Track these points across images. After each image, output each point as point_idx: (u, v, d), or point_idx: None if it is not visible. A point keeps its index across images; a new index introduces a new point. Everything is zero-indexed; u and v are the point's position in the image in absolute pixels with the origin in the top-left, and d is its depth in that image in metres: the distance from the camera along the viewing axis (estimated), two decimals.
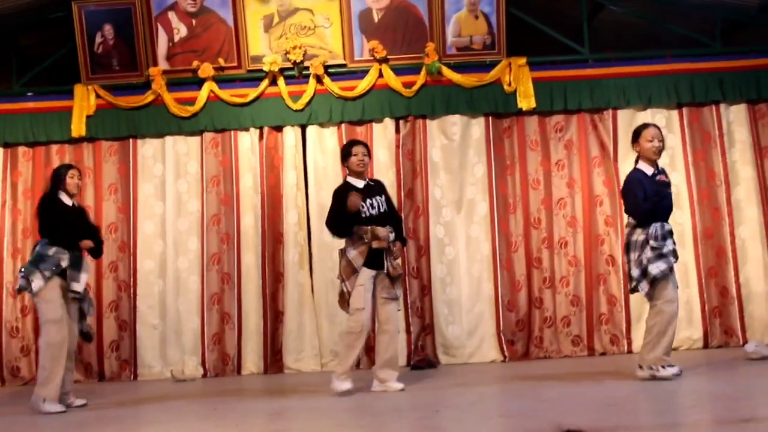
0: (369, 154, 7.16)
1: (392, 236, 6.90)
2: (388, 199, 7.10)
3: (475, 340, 8.77)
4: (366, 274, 6.80)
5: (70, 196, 7.11)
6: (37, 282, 6.71)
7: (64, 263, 6.81)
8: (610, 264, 8.82)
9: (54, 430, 5.92)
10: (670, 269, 6.65)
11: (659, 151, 6.82)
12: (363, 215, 6.83)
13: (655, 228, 6.69)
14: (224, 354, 8.76)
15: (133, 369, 8.78)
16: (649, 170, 6.81)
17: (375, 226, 6.82)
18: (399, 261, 7.01)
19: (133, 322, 8.80)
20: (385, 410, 6.09)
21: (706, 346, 8.73)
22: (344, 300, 6.90)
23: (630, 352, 8.59)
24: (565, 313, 8.81)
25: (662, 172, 6.91)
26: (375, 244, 6.80)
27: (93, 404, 6.98)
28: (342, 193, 6.96)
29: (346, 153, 7.08)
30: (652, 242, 6.66)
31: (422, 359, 8.55)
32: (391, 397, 6.62)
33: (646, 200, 6.66)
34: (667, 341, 6.67)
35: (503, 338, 8.73)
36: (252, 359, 8.72)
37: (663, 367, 6.67)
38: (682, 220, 8.82)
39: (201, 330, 8.78)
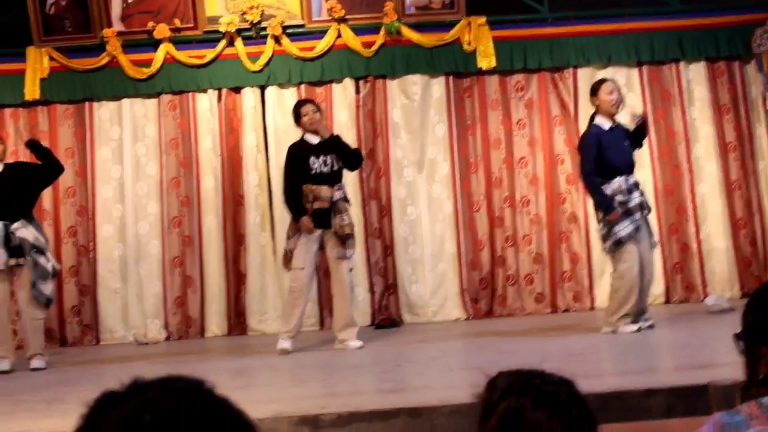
0: (319, 109, 7.24)
1: (339, 194, 6.89)
2: (341, 146, 7.13)
3: (438, 298, 8.77)
4: (309, 234, 6.83)
5: None
6: None
7: None
8: (572, 222, 8.85)
9: (10, 391, 5.87)
10: (636, 229, 6.70)
11: (618, 104, 6.89)
12: (313, 172, 6.87)
13: (619, 182, 6.75)
14: (187, 317, 8.70)
15: (95, 334, 8.67)
16: (606, 124, 6.88)
17: (320, 185, 6.83)
18: (348, 219, 7.00)
19: (94, 287, 8.69)
20: (346, 366, 6.11)
21: (667, 301, 8.80)
22: (287, 259, 7.01)
23: (593, 308, 8.64)
24: (528, 271, 8.83)
25: (619, 126, 6.98)
26: (316, 204, 6.84)
27: (53, 368, 6.92)
28: (295, 155, 7.01)
29: (296, 115, 7.23)
30: (618, 197, 6.72)
31: (386, 318, 8.55)
32: (352, 354, 6.64)
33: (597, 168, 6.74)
34: (630, 305, 6.75)
35: (467, 296, 8.75)
36: (215, 321, 8.67)
37: (625, 324, 6.74)
38: (643, 177, 8.80)
39: (163, 293, 8.69)
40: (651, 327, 6.82)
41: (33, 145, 7.16)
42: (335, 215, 6.87)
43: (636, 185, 6.84)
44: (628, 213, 6.70)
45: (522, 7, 9.14)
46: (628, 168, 6.87)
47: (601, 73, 8.91)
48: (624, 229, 6.66)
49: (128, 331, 8.65)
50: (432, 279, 8.79)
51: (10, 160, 7.55)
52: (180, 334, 8.65)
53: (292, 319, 6.95)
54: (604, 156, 6.77)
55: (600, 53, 8.99)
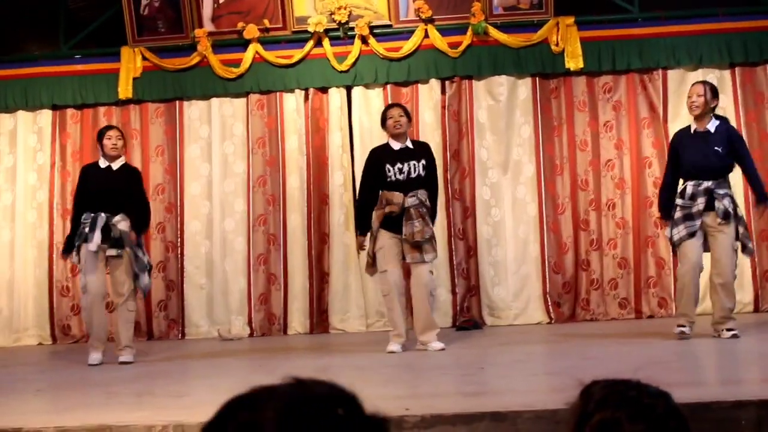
0: (407, 114, 7.17)
1: (412, 201, 6.83)
2: (429, 165, 7.05)
3: (521, 301, 8.73)
4: (385, 237, 6.87)
5: (111, 158, 7.19)
6: (74, 255, 7.15)
7: (87, 228, 6.95)
8: (659, 227, 8.68)
9: (102, 383, 6.02)
10: (691, 234, 6.68)
11: (693, 107, 6.90)
12: (388, 179, 6.86)
13: (685, 185, 6.84)
14: (270, 314, 8.82)
15: (180, 328, 8.87)
16: (693, 126, 6.96)
17: (393, 191, 6.84)
18: (420, 226, 6.78)
19: (180, 282, 8.89)
20: (429, 367, 6.11)
21: (756, 309, 8.60)
22: (368, 264, 7.08)
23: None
24: (612, 276, 8.72)
25: (711, 130, 6.85)
26: (387, 209, 6.84)
27: (141, 361, 7.08)
28: (372, 160, 7.09)
29: (382, 118, 7.23)
30: (677, 200, 6.81)
31: (467, 320, 8.54)
32: (435, 355, 6.64)
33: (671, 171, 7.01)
34: (681, 306, 6.84)
35: (549, 300, 8.68)
36: (298, 319, 8.78)
37: (678, 326, 6.80)
38: (733, 181, 8.63)
39: (247, 290, 8.84)
40: (735, 337, 6.67)
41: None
42: (406, 222, 6.82)
43: (707, 191, 6.69)
44: (687, 218, 6.71)
45: (612, 7, 9.02)
46: (705, 173, 6.75)
47: (692, 75, 8.77)
48: (677, 233, 6.76)
49: (213, 327, 8.82)
50: (515, 282, 8.74)
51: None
52: (263, 331, 8.77)
53: (392, 321, 7.00)
54: (680, 157, 6.89)
55: (691, 54, 8.82)
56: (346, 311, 8.77)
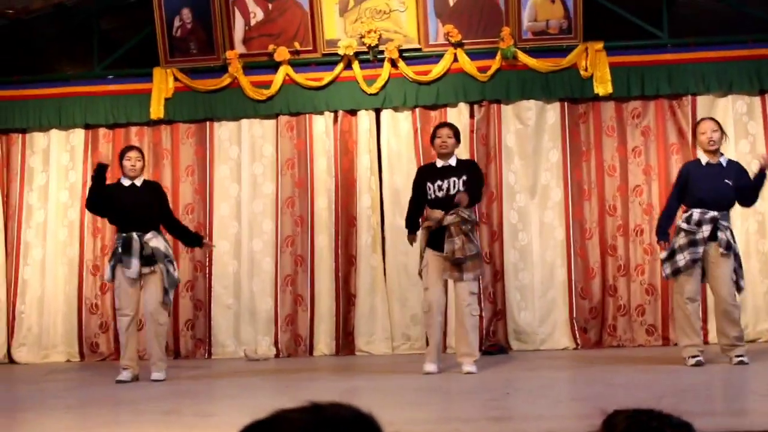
0: (456, 135, 7.25)
1: (451, 218, 6.84)
2: (470, 180, 7.03)
3: (547, 326, 8.70)
4: (430, 255, 6.95)
5: (131, 178, 7.27)
6: (107, 273, 7.25)
7: (120, 249, 7.03)
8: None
9: (130, 401, 6.08)
10: (694, 261, 6.81)
11: (712, 142, 7.01)
12: (429, 197, 7.00)
13: (691, 212, 6.95)
14: (297, 335, 8.86)
15: (207, 347, 8.92)
16: (704, 159, 7.09)
17: (434, 209, 6.95)
18: (461, 243, 6.80)
19: (208, 302, 8.94)
20: (455, 391, 6.12)
21: None
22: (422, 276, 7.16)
23: (706, 342, 8.39)
24: (639, 302, 8.68)
25: (723, 164, 7.01)
26: (425, 224, 7.00)
27: (168, 379, 7.13)
28: (416, 178, 7.30)
29: (432, 136, 7.38)
30: (683, 224, 6.91)
31: (494, 345, 8.51)
32: (461, 379, 6.64)
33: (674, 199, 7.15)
34: (687, 337, 6.89)
35: (576, 325, 8.65)
36: (324, 341, 8.80)
37: (687, 356, 6.86)
38: (763, 209, 8.62)
39: (274, 311, 8.88)
40: (742, 363, 6.69)
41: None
42: (447, 240, 6.86)
43: (713, 220, 6.83)
44: (691, 244, 6.83)
45: (641, 33, 9.02)
46: (715, 203, 6.92)
47: (721, 101, 8.76)
48: (683, 259, 6.85)
49: (239, 347, 8.86)
50: (541, 306, 8.73)
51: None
52: (289, 352, 8.80)
53: (429, 339, 7.13)
54: (689, 187, 7.04)
55: (720, 80, 8.79)
56: (372, 333, 8.78)
